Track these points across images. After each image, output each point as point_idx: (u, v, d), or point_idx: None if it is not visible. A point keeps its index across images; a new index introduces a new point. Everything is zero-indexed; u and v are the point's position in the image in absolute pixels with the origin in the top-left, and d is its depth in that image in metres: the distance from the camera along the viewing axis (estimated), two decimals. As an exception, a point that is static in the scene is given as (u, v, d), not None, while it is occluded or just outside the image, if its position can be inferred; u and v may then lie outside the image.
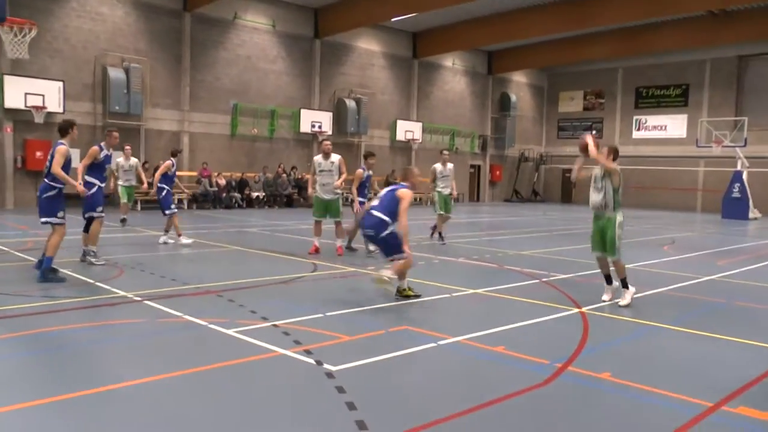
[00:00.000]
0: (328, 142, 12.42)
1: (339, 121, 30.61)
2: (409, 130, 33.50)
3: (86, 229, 10.26)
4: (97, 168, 10.09)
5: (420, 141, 34.10)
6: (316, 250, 12.24)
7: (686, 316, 7.96)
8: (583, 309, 7.93)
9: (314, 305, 7.66)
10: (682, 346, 6.55)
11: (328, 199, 12.28)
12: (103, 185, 10.24)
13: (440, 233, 14.87)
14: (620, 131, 39.64)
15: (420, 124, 34.07)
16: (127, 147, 17.21)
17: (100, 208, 10.14)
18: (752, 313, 8.36)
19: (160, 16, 25.29)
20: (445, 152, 15.53)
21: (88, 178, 9.99)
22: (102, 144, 10.19)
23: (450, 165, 15.15)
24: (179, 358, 5.56)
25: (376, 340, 6.27)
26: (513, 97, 39.79)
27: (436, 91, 35.89)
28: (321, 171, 12.24)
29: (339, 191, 12.31)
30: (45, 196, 8.91)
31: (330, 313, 7.26)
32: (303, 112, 29.13)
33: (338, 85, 31.07)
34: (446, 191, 14.98)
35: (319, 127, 29.46)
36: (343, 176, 12.20)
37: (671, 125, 37.57)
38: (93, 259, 10.13)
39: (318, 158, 12.40)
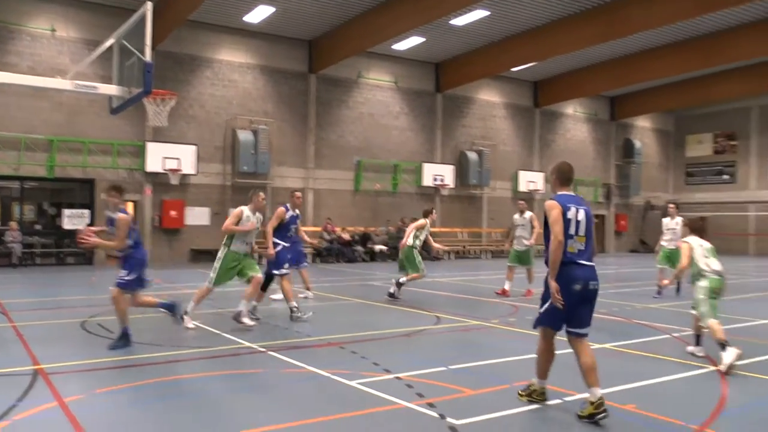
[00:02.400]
0: (522, 202, 14.72)
1: (461, 174, 30.64)
2: (531, 180, 33.06)
3: (263, 288, 10.37)
4: (283, 229, 10.77)
5: (543, 191, 33.52)
6: (504, 293, 13.91)
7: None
8: (720, 367, 7.37)
9: (438, 358, 7.59)
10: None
11: (520, 251, 14.21)
12: (287, 245, 10.75)
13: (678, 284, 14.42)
14: (757, 176, 37.39)
15: (542, 174, 33.51)
16: None
17: (286, 266, 10.52)
18: None
19: (287, 79, 26.48)
20: (671, 205, 15.17)
21: (275, 239, 10.57)
22: (287, 205, 10.90)
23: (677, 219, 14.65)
24: (302, 408, 5.58)
25: (500, 395, 6.09)
26: (637, 143, 38.52)
27: (558, 140, 35.36)
28: (516, 226, 14.38)
29: (528, 243, 14.07)
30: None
31: (454, 366, 7.15)
32: (425, 165, 29.40)
33: (460, 138, 31.23)
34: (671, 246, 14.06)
35: (441, 180, 29.60)
36: (535, 231, 13.98)
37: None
38: (300, 314, 10.27)
39: (516, 215, 14.49)
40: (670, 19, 22.45)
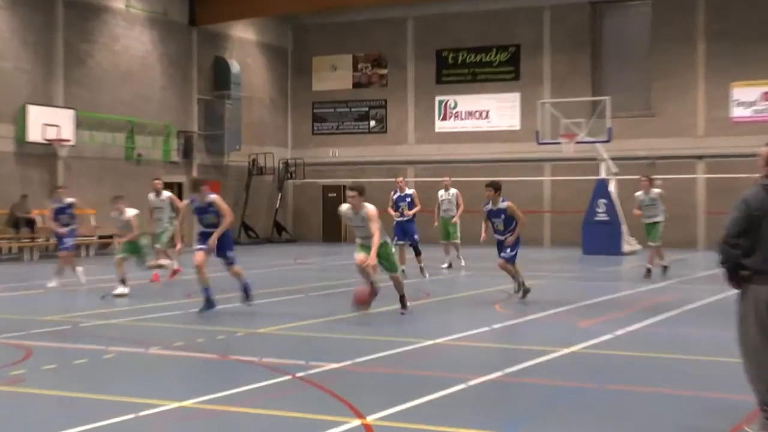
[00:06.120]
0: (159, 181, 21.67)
1: None
2: (51, 123, 32.47)
3: None
4: None
5: (73, 143, 33.30)
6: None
7: (534, 416, 8.44)
8: (368, 419, 8.02)
9: None
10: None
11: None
12: None
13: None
14: (415, 121, 41.34)
15: (71, 113, 33.23)
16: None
17: None
18: (633, 400, 9.00)
19: None
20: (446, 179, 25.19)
21: None
22: None
23: None
24: None
25: None
26: (235, 66, 40.14)
27: (99, 53, 35.28)
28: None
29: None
30: None
31: None
32: None
33: None
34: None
35: None
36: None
37: (496, 110, 40.12)
38: None
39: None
40: None
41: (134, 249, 19.50)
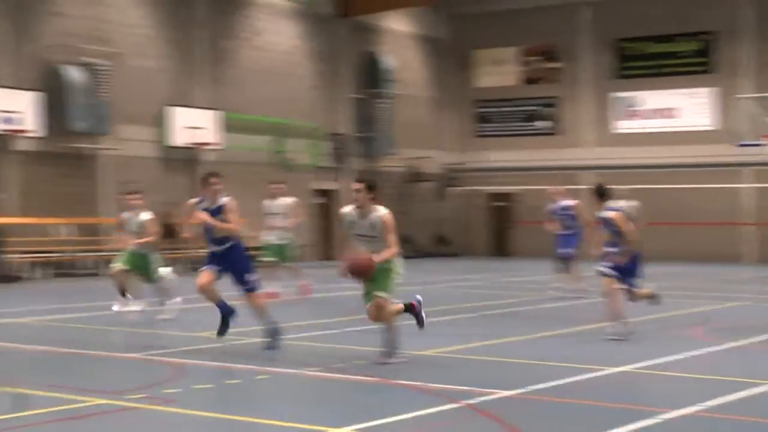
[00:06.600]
0: (280, 186, 22.88)
1: (54, 110, 29.71)
2: (193, 126, 33.00)
3: None
4: None
5: (222, 147, 33.84)
6: None
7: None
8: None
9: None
10: None
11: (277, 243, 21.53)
12: None
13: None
14: (591, 122, 40.80)
15: (216, 115, 33.65)
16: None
17: None
18: None
19: None
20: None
21: None
22: None
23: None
24: None
25: None
26: (388, 61, 40.23)
27: (241, 50, 35.85)
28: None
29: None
30: None
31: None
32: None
33: (48, 39, 30.27)
34: None
35: (16, 120, 28.49)
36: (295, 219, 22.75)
37: (686, 108, 39.37)
38: None
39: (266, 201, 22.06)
40: None
41: (139, 262, 17.72)
